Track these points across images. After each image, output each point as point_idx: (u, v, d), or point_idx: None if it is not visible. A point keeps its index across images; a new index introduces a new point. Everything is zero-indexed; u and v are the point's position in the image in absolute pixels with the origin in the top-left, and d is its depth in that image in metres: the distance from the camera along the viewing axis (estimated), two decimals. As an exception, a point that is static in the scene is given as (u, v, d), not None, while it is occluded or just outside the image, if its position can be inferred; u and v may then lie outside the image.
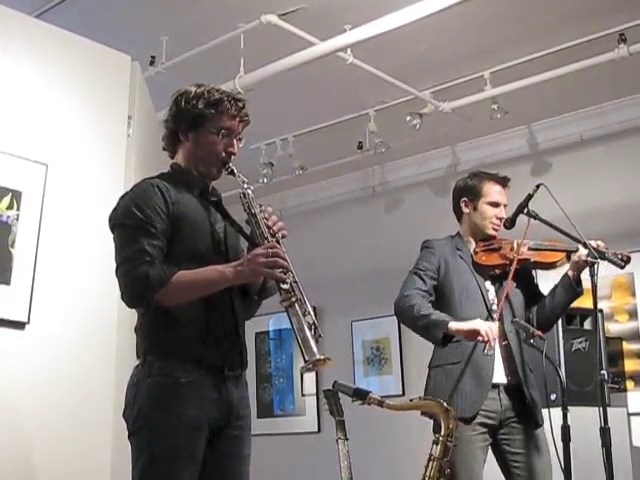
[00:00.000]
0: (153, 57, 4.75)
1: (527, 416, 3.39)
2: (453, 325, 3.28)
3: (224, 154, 2.64)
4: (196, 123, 2.62)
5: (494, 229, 3.59)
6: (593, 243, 3.40)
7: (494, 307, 3.46)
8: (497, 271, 3.54)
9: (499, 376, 3.39)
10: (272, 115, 5.35)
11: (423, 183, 6.55)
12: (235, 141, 2.66)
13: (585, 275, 3.43)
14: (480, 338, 3.21)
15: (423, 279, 3.49)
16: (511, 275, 3.42)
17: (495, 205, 3.58)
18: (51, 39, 3.43)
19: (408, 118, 5.39)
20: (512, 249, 3.53)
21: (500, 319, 3.41)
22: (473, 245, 3.62)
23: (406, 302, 3.41)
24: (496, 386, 3.38)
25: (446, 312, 3.46)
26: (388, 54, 4.80)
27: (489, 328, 3.22)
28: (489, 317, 3.41)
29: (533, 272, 3.76)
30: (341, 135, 5.91)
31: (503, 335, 3.43)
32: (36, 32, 3.39)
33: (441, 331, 3.29)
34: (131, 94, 3.68)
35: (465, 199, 3.64)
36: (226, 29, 4.53)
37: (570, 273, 3.50)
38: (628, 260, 3.42)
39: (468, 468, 3.25)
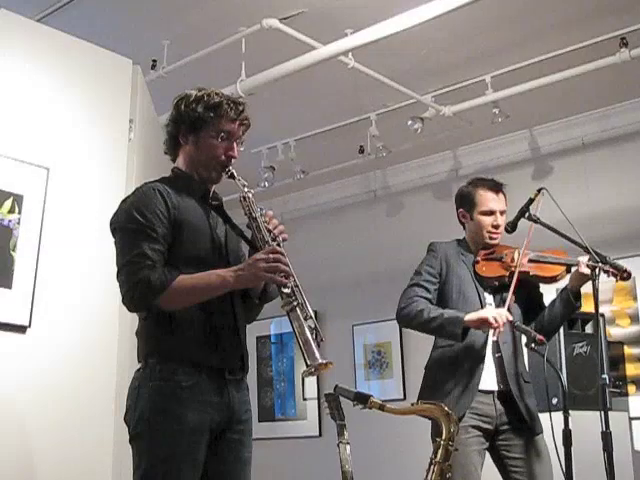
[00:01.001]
0: (154, 61, 4.75)
1: (524, 425, 3.39)
2: (467, 317, 3.32)
3: (224, 157, 2.63)
4: (196, 127, 2.62)
5: (491, 238, 3.57)
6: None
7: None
8: (496, 283, 3.52)
9: (491, 383, 3.40)
10: (273, 119, 5.35)
11: (424, 187, 6.55)
12: (235, 145, 2.66)
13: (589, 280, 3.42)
14: (489, 325, 3.27)
15: (424, 287, 3.51)
16: (512, 291, 3.41)
17: (489, 213, 3.56)
18: (53, 43, 3.44)
19: (409, 122, 5.38)
20: (513, 259, 3.51)
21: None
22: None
23: (413, 308, 3.44)
24: (490, 392, 3.39)
25: None
26: (389, 58, 4.80)
27: (498, 314, 3.28)
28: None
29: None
30: (342, 139, 5.90)
31: (496, 347, 3.43)
32: (38, 36, 3.40)
33: (460, 326, 3.32)
34: (132, 98, 3.69)
35: (462, 210, 3.65)
36: (227, 33, 4.52)
37: (569, 286, 3.48)
38: (629, 276, 3.39)
39: (464, 470, 3.25)
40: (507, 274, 3.48)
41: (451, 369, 3.40)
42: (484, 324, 3.30)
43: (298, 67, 4.58)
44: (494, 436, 3.39)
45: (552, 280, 3.55)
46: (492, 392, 3.39)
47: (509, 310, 3.46)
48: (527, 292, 3.58)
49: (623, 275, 3.36)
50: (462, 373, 3.37)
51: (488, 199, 3.57)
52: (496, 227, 3.55)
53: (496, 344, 3.42)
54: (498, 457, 3.42)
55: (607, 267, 3.34)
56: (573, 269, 3.46)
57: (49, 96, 3.37)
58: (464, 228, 3.69)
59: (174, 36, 4.62)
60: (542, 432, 3.41)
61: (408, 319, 3.46)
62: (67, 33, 3.51)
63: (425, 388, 3.49)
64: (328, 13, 4.40)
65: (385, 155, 5.78)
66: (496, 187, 3.61)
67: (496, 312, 3.30)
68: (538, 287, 3.70)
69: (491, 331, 3.32)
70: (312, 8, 4.37)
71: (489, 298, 3.53)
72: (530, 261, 3.51)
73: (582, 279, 3.41)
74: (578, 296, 3.47)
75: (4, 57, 3.22)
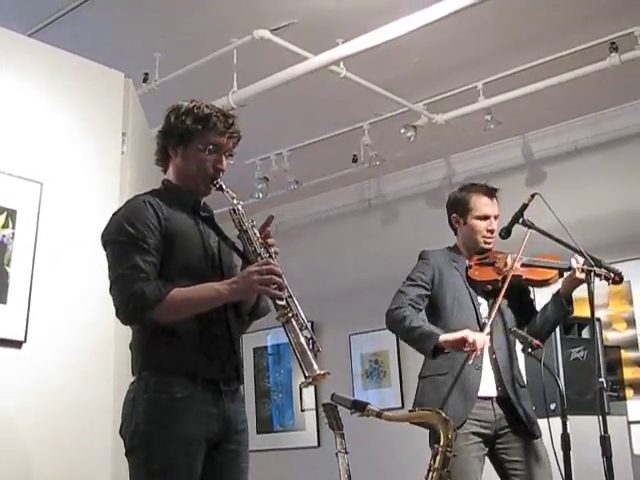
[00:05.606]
0: (146, 74, 4.76)
1: (523, 428, 3.38)
2: (443, 337, 3.28)
3: (212, 170, 2.62)
4: (184, 139, 2.61)
5: (486, 242, 3.57)
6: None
7: (486, 321, 3.43)
8: (489, 287, 3.51)
9: (490, 389, 3.39)
10: (266, 130, 5.36)
11: (418, 195, 6.56)
12: (223, 157, 2.64)
13: (582, 285, 3.42)
14: (466, 348, 3.21)
15: (414, 288, 3.50)
16: (502, 292, 3.40)
17: (484, 218, 3.56)
18: (44, 57, 3.44)
19: (402, 130, 5.39)
20: (506, 264, 3.50)
21: (489, 334, 3.39)
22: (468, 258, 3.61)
23: (398, 314, 3.43)
24: (488, 398, 3.38)
25: (436, 322, 3.49)
26: (381, 67, 4.81)
27: (477, 337, 3.22)
28: (480, 331, 3.40)
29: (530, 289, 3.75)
30: (336, 149, 5.91)
31: (492, 350, 3.42)
32: (29, 50, 3.40)
33: (432, 343, 3.30)
34: (125, 111, 3.68)
35: (455, 215, 3.64)
36: (219, 45, 4.54)
37: (562, 291, 3.48)
38: (621, 280, 3.42)
39: (465, 477, 3.24)
40: (500, 278, 3.47)
41: (448, 377, 3.38)
42: (461, 345, 3.22)
43: (290, 77, 4.59)
44: (493, 440, 3.38)
45: (544, 283, 3.55)
46: (491, 398, 3.39)
47: (502, 315, 3.47)
48: (518, 297, 3.59)
49: (615, 279, 3.39)
50: (460, 381, 3.35)
51: (483, 204, 3.57)
52: (491, 232, 3.56)
53: (490, 348, 3.41)
54: (497, 461, 3.41)
55: (602, 271, 3.36)
56: (566, 273, 3.46)
57: (41, 111, 3.36)
58: (455, 234, 3.69)
59: (165, 49, 4.63)
60: (541, 436, 3.40)
61: (393, 323, 3.45)
62: (58, 48, 3.51)
63: (422, 397, 3.45)
64: (319, 23, 4.42)
65: (378, 164, 5.79)
66: (490, 192, 3.62)
67: (475, 335, 3.23)
68: (529, 293, 3.71)
69: (470, 359, 3.26)
70: (303, 18, 4.39)
71: (483, 303, 3.52)
72: (523, 265, 3.51)
73: (575, 284, 3.42)
74: (570, 301, 3.47)
75: (-5, 73, 3.22)
